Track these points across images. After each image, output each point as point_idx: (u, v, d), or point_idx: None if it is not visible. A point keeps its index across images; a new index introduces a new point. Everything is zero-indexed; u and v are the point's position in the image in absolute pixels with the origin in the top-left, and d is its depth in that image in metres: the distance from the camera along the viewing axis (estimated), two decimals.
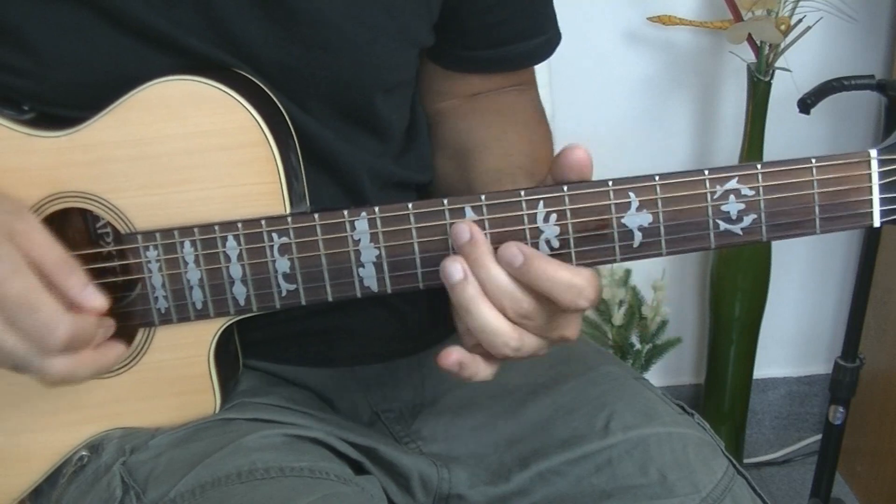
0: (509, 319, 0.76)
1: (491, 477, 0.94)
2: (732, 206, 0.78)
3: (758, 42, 1.63)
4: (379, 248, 0.81)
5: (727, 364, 1.88)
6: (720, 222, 0.78)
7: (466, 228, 0.77)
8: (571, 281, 0.75)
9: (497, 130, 1.00)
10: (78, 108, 0.82)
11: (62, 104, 0.84)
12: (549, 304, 0.76)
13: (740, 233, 0.79)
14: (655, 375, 1.92)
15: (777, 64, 1.65)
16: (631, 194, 0.78)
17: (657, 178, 0.78)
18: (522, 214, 0.79)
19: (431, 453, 0.97)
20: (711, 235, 0.79)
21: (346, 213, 0.81)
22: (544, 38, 1.04)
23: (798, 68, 1.67)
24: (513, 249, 0.76)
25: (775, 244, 1.80)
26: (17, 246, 0.75)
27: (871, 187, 0.78)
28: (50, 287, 0.76)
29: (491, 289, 0.76)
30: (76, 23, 0.83)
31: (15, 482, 0.91)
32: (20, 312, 0.74)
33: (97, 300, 0.78)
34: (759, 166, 0.77)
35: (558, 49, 1.08)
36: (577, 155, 0.77)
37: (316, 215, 0.81)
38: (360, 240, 0.81)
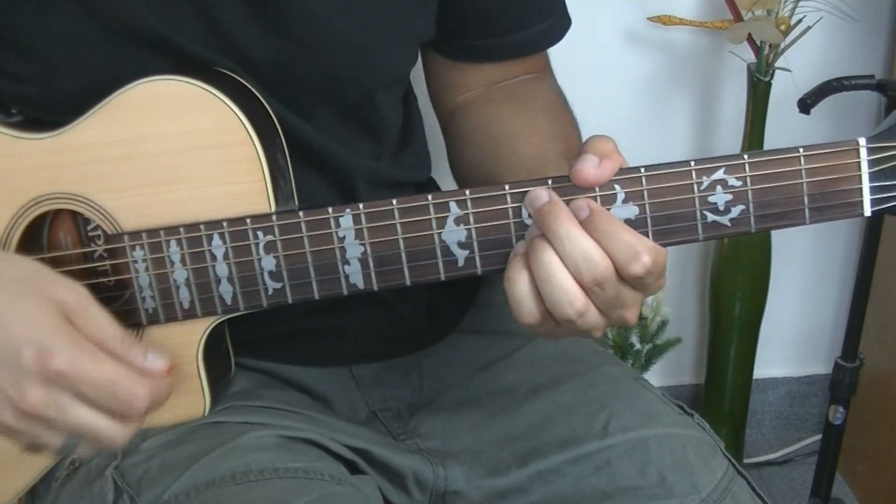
0: (583, 285, 0.75)
1: (488, 472, 0.94)
2: (720, 197, 0.77)
3: (758, 42, 1.62)
4: (364, 244, 0.81)
5: (727, 364, 1.88)
6: (708, 213, 0.78)
7: (544, 192, 0.77)
8: (630, 241, 0.74)
9: (528, 117, 0.99)
10: (73, 113, 0.83)
11: (58, 110, 0.84)
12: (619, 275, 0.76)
13: (728, 224, 0.78)
14: (655, 375, 1.91)
15: (777, 64, 1.64)
16: (616, 187, 0.78)
17: (643, 170, 0.77)
18: (507, 208, 0.79)
19: (429, 450, 0.97)
20: (699, 227, 0.78)
21: (330, 210, 0.80)
22: (548, 23, 1.03)
23: (798, 68, 1.67)
24: (580, 202, 0.76)
25: (775, 243, 1.80)
26: (76, 327, 0.75)
27: (860, 176, 0.77)
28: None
29: (570, 248, 0.74)
30: (77, 30, 0.83)
31: (8, 484, 0.91)
32: (99, 392, 0.74)
33: (161, 362, 0.77)
34: (746, 156, 0.76)
35: (558, 49, 1.07)
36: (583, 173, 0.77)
37: (301, 213, 0.81)
38: (344, 237, 0.81)
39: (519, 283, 0.76)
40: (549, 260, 0.74)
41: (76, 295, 0.76)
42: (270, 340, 0.97)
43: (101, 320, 0.76)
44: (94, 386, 0.74)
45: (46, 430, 0.76)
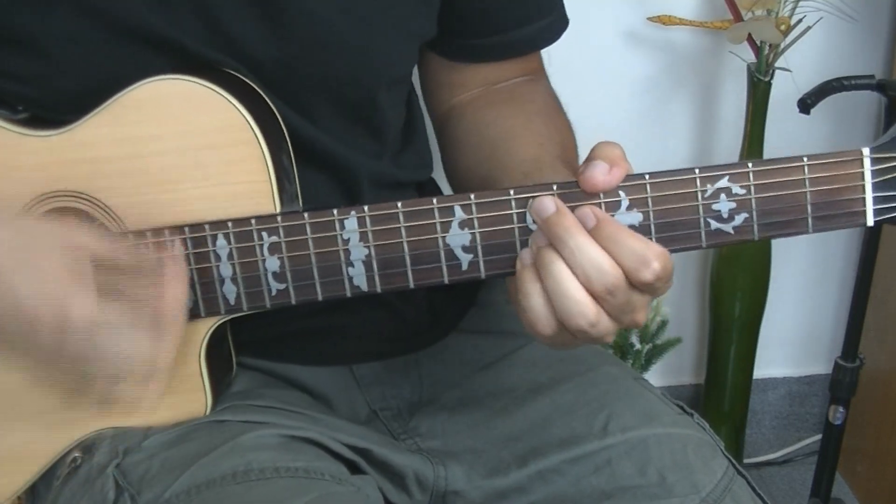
0: (594, 294, 0.75)
1: (488, 472, 0.94)
2: (724, 205, 0.77)
3: (758, 42, 1.62)
4: (368, 246, 0.81)
5: (727, 364, 1.88)
6: (711, 221, 0.78)
7: (551, 202, 0.77)
8: (638, 248, 0.74)
9: (523, 119, 0.99)
10: (74, 113, 0.83)
11: (59, 110, 0.84)
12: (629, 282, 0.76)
13: (732, 232, 0.78)
14: (655, 375, 1.91)
15: (777, 64, 1.64)
16: (621, 193, 0.78)
17: (647, 176, 0.77)
18: (512, 213, 0.79)
19: (428, 449, 0.97)
20: (703, 234, 0.78)
21: (335, 211, 0.81)
22: (546, 21, 1.03)
23: (798, 68, 1.66)
24: (586, 210, 0.76)
25: (775, 244, 1.80)
26: (85, 257, 0.76)
27: (863, 186, 0.77)
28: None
29: (580, 259, 0.74)
30: (78, 30, 0.83)
31: (7, 482, 0.91)
32: (131, 318, 0.76)
33: (178, 246, 0.79)
34: (750, 165, 0.77)
35: (558, 49, 1.07)
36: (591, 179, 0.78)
37: (305, 214, 0.81)
38: (349, 239, 0.81)
39: (533, 296, 0.76)
40: (560, 271, 0.75)
41: (74, 232, 0.77)
42: (272, 340, 0.97)
43: (103, 246, 0.77)
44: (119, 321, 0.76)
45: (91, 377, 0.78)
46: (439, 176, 1.10)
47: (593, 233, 0.75)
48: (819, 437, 1.76)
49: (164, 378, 0.79)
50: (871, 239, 1.55)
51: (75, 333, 0.74)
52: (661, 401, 0.97)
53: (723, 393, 1.90)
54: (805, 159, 0.77)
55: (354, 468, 0.92)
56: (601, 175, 0.76)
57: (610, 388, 0.97)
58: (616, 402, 0.95)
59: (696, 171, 0.77)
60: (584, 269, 0.74)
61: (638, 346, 1.84)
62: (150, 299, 0.76)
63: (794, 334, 2.04)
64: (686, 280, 1.95)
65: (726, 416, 1.91)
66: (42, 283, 0.74)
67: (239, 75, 0.85)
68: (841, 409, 1.65)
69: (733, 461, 0.93)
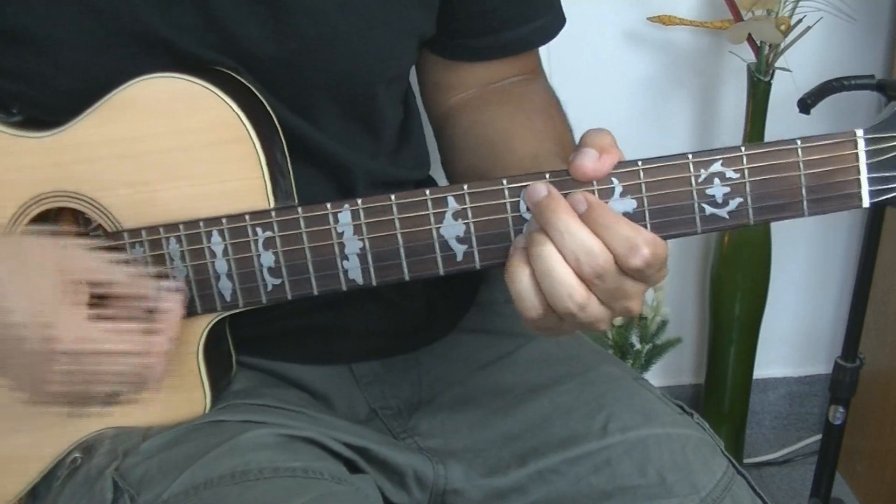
0: (583, 278, 0.74)
1: (488, 471, 0.94)
2: (718, 190, 0.77)
3: (758, 42, 1.62)
4: (363, 239, 0.81)
5: (727, 364, 1.88)
6: (706, 206, 0.77)
7: (543, 186, 0.77)
8: (628, 234, 0.74)
9: (522, 119, 0.99)
10: (72, 112, 0.83)
11: (57, 110, 0.84)
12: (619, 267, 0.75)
13: (727, 216, 0.78)
14: (655, 375, 1.91)
15: (777, 64, 1.64)
16: (614, 180, 0.78)
17: (640, 162, 0.77)
18: (505, 203, 0.79)
19: (428, 448, 0.97)
20: (697, 220, 0.78)
21: (329, 205, 0.81)
22: (541, 22, 1.03)
23: (798, 68, 1.66)
24: (578, 196, 0.76)
25: (775, 243, 1.80)
26: (80, 280, 0.76)
27: (858, 167, 0.77)
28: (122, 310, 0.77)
29: (569, 241, 0.74)
30: (78, 29, 0.83)
31: (8, 484, 0.91)
32: (111, 366, 0.76)
33: (178, 302, 0.79)
34: (743, 149, 0.76)
35: (558, 49, 1.07)
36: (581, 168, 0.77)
37: (299, 208, 0.81)
38: (343, 232, 0.81)
39: (520, 278, 0.76)
40: (549, 254, 0.74)
41: (75, 260, 0.77)
42: (271, 339, 0.97)
43: (103, 275, 0.78)
44: (105, 359, 0.76)
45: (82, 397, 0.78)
46: (439, 176, 1.10)
47: (584, 218, 0.75)
48: (819, 437, 1.76)
49: (155, 384, 0.79)
50: (871, 238, 1.55)
51: (64, 353, 0.74)
52: (660, 401, 0.97)
53: (723, 393, 1.90)
54: (798, 142, 0.76)
55: (354, 467, 0.92)
56: (591, 162, 0.76)
57: (609, 388, 0.97)
58: (615, 402, 0.95)
59: (690, 156, 0.77)
60: (574, 252, 0.74)
61: (638, 346, 1.84)
62: (142, 326, 0.77)
63: (794, 334, 2.04)
64: (686, 280, 1.95)
65: (726, 416, 1.91)
66: (33, 302, 0.74)
67: (231, 73, 0.85)
68: (841, 409, 1.65)
69: (733, 461, 0.93)
